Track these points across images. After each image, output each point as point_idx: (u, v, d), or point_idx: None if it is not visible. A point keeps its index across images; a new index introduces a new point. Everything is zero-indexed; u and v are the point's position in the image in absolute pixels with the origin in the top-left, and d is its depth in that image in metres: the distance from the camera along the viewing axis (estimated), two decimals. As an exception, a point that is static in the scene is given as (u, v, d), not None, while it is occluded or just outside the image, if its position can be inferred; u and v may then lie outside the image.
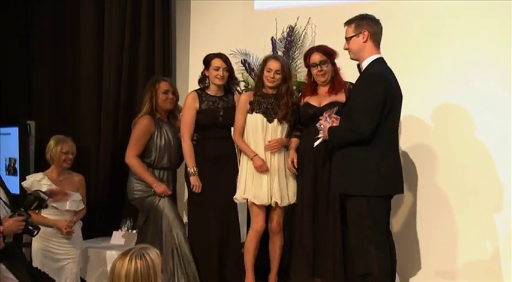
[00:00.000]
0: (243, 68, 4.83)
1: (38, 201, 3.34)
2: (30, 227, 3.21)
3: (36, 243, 4.18)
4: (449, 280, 4.34)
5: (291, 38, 4.81)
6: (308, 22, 4.84)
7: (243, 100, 4.12)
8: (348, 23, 3.56)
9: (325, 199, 3.92)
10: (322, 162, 3.91)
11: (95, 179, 5.34)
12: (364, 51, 3.48)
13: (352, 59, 3.59)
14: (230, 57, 4.50)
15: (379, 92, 3.34)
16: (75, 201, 4.29)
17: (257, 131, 4.06)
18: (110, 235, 5.05)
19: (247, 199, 4.08)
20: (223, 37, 5.16)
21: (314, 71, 4.01)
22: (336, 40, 4.75)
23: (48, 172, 4.31)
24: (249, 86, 4.80)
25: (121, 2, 5.40)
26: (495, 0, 4.26)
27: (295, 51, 4.83)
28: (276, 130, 4.07)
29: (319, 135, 3.68)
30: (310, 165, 3.97)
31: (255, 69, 4.83)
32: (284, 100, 4.04)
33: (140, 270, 2.08)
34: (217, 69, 4.16)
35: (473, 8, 4.33)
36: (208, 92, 4.23)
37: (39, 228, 3.30)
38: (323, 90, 4.04)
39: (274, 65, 4.04)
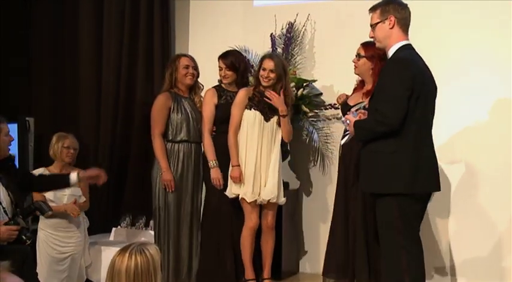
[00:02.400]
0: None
1: (38, 211, 3.38)
2: (23, 237, 3.19)
3: (40, 233, 4.24)
4: (448, 277, 4.36)
5: (290, 35, 4.81)
6: (307, 18, 4.84)
7: (242, 95, 4.12)
8: (372, 9, 3.27)
9: (357, 199, 3.82)
10: (352, 160, 3.79)
11: (94, 175, 5.34)
12: (391, 38, 3.21)
13: (378, 47, 3.33)
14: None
15: (405, 77, 3.05)
16: (73, 196, 4.35)
17: (254, 128, 4.07)
18: (109, 232, 5.06)
19: (238, 195, 4.08)
20: (223, 33, 5.16)
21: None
22: (335, 37, 4.81)
23: (50, 168, 4.40)
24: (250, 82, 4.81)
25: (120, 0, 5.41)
26: (495, 0, 4.25)
27: (294, 48, 4.84)
28: (273, 129, 4.09)
29: (347, 132, 3.47)
30: (341, 164, 3.95)
31: (255, 65, 4.84)
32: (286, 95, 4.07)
33: (140, 265, 2.08)
34: (220, 69, 4.25)
35: (473, 8, 4.32)
36: (225, 87, 4.29)
37: (32, 239, 3.31)
38: (367, 87, 3.93)
39: (268, 64, 4.05)
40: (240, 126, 4.10)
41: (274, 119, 4.09)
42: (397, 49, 3.20)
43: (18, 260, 3.14)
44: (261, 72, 4.07)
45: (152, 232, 4.82)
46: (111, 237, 5.00)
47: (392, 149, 3.08)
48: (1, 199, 3.36)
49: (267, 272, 4.18)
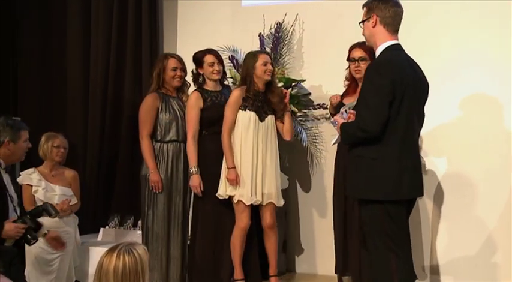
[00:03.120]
0: (231, 64, 4.83)
1: (45, 213, 3.48)
2: (28, 236, 3.32)
3: None
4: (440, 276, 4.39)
5: (278, 35, 4.81)
6: (296, 18, 4.85)
7: (236, 95, 4.07)
8: (363, 6, 3.20)
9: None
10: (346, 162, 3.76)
11: (82, 175, 5.29)
12: (375, 38, 3.12)
13: (368, 45, 3.27)
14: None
15: (384, 83, 2.96)
16: (64, 195, 4.34)
17: (249, 129, 4.03)
18: (97, 232, 5.04)
19: (231, 196, 4.04)
20: (211, 33, 5.15)
21: (352, 66, 3.95)
22: (323, 36, 4.81)
23: (40, 168, 4.40)
24: (237, 83, 4.79)
25: (108, -1, 5.40)
26: (495, 0, 4.27)
27: (283, 48, 4.84)
28: (267, 128, 4.06)
29: (337, 133, 3.41)
30: (341, 163, 3.96)
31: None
32: (278, 91, 4.09)
33: (128, 265, 2.08)
34: (212, 64, 4.18)
35: (473, 8, 4.34)
36: (208, 88, 4.24)
37: (37, 239, 3.40)
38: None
39: (267, 57, 4.06)
40: (234, 127, 4.07)
41: (269, 118, 4.07)
42: (383, 50, 3.11)
43: (6, 261, 3.14)
44: (262, 67, 4.02)
45: (140, 232, 4.82)
46: (99, 238, 4.99)
47: (375, 155, 3.03)
48: (13, 198, 3.47)
49: (272, 270, 4.17)
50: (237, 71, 4.80)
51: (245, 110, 4.05)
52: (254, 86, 4.06)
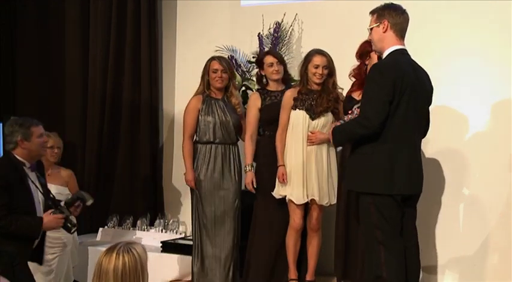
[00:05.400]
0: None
1: (80, 201, 3.58)
2: (68, 225, 3.49)
3: None
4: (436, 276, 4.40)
5: (277, 34, 4.82)
6: (295, 18, 4.85)
7: (287, 97, 4.04)
8: (371, 12, 3.34)
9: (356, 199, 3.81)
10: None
11: (81, 175, 5.31)
12: (384, 42, 3.26)
13: (375, 50, 3.43)
14: (216, 54, 4.50)
15: (385, 83, 3.12)
16: (60, 195, 4.32)
17: (298, 127, 3.98)
18: (96, 232, 5.04)
19: (285, 196, 4.01)
20: (210, 33, 5.16)
21: (367, 62, 3.89)
22: (322, 37, 4.81)
23: None
24: (236, 83, 4.79)
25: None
26: (495, 0, 4.28)
27: (282, 48, 4.84)
28: (323, 126, 3.97)
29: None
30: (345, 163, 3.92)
31: (242, 65, 4.85)
32: (332, 94, 3.99)
33: (128, 264, 2.08)
34: (271, 65, 4.21)
35: (473, 8, 4.34)
36: (269, 89, 4.27)
37: (77, 226, 3.53)
38: None
39: (321, 60, 3.96)
40: (287, 128, 4.03)
41: (322, 118, 3.98)
42: (389, 53, 3.25)
43: (6, 262, 3.14)
44: (313, 69, 3.95)
45: (139, 232, 4.93)
46: (98, 237, 4.99)
47: (370, 150, 3.19)
48: (35, 195, 3.56)
49: (310, 275, 4.12)
50: (236, 71, 4.80)
51: (295, 110, 4.00)
52: (307, 85, 4.00)
